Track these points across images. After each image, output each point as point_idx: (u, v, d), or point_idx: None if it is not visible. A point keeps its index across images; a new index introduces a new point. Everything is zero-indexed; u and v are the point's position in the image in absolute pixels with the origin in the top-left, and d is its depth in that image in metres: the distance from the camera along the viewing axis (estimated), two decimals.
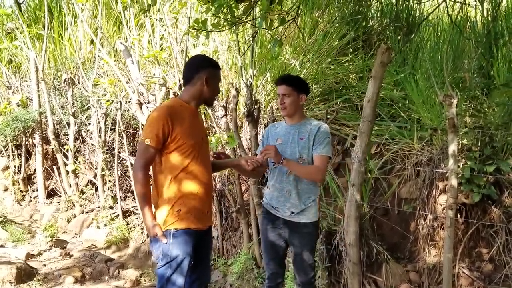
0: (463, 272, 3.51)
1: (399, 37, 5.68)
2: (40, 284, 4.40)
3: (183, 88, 2.60)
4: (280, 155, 2.65)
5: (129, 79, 5.39)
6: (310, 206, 2.83)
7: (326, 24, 5.47)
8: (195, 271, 2.58)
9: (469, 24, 4.93)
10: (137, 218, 6.06)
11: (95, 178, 6.75)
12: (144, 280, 4.77)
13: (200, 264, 2.61)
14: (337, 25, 5.41)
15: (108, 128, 6.57)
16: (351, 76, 5.26)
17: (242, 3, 2.83)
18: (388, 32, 5.89)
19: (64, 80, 6.80)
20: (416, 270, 3.68)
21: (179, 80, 4.79)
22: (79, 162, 6.95)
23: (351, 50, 5.58)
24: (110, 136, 6.68)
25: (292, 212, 2.81)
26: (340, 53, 5.46)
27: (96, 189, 6.70)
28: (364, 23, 5.87)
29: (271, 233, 2.93)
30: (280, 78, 2.86)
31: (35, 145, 7.29)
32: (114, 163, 6.23)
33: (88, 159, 7.07)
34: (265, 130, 3.07)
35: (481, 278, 3.44)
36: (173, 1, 6.07)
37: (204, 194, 2.54)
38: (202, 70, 2.47)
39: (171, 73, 5.52)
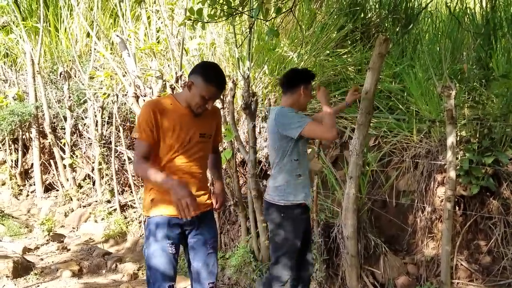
0: (461, 264, 3.50)
1: (397, 29, 5.64)
2: (37, 278, 4.38)
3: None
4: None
5: (125, 72, 5.35)
6: None
7: (324, 16, 5.43)
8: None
9: (468, 15, 4.89)
10: (134, 212, 6.04)
11: (92, 172, 6.73)
12: (142, 273, 4.75)
13: (197, 252, 2.63)
14: (335, 16, 5.36)
15: (104, 121, 6.54)
16: (349, 68, 5.22)
17: None
18: (386, 24, 5.85)
19: (60, 74, 6.76)
20: (414, 262, 3.67)
21: (176, 73, 4.76)
22: (76, 156, 6.93)
23: (349, 42, 5.54)
24: (107, 130, 6.65)
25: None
26: (338, 45, 5.41)
27: (94, 183, 6.68)
28: (362, 15, 5.82)
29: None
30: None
31: (32, 139, 7.27)
32: (111, 156, 6.20)
33: (85, 153, 7.04)
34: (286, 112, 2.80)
35: (479, 270, 3.44)
36: None
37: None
38: (193, 75, 2.43)
39: (168, 65, 5.48)
